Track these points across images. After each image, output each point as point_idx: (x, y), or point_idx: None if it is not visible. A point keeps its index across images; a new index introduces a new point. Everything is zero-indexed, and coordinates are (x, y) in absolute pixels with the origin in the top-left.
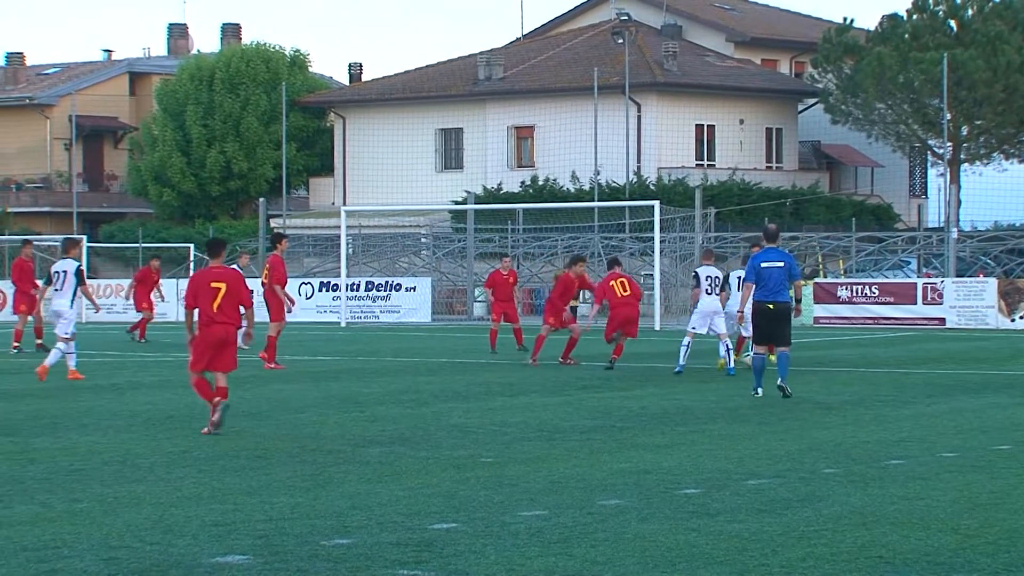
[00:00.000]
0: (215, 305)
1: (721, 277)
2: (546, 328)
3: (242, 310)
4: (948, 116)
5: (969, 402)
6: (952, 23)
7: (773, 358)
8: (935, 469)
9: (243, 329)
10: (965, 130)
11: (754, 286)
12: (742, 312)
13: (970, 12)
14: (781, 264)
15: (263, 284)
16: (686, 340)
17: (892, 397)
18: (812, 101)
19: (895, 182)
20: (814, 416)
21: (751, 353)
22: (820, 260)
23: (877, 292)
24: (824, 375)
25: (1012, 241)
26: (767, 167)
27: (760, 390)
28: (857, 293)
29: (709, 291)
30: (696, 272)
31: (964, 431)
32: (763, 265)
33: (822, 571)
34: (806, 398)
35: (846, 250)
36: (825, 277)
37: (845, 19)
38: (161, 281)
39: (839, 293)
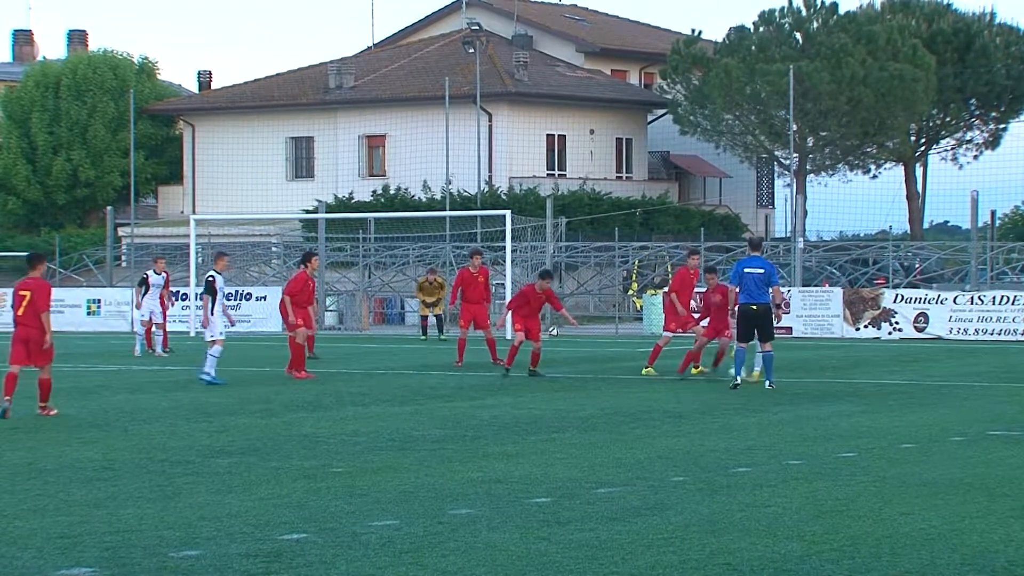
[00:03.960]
0: (21, 310)
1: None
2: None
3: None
4: (794, 127)
5: (815, 410)
6: (798, 36)
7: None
8: (782, 476)
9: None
10: (811, 141)
11: (738, 289)
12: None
13: (815, 25)
14: (762, 271)
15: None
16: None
17: (740, 405)
18: (661, 112)
19: (743, 192)
20: (663, 425)
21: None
22: (669, 270)
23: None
24: (674, 384)
25: (856, 251)
26: (617, 177)
27: (740, 378)
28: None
29: None
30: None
31: (810, 439)
32: (746, 271)
33: None
34: (655, 407)
35: None
36: None
37: (693, 31)
38: None
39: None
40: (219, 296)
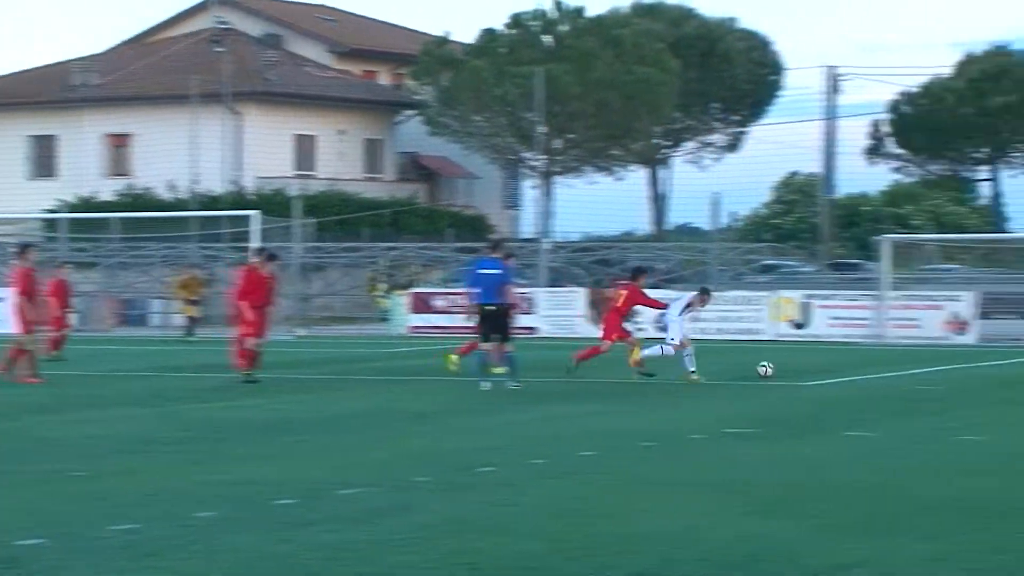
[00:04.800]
0: None
1: None
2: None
3: None
4: (542, 129)
5: (558, 410)
6: (547, 39)
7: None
8: (524, 476)
9: None
10: (558, 143)
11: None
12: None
13: (564, 28)
14: (498, 271)
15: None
16: None
17: (484, 406)
18: (411, 113)
19: (491, 193)
20: (408, 425)
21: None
22: (416, 270)
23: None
24: (419, 384)
25: (601, 251)
26: (367, 178)
27: (486, 384)
28: (453, 303)
29: None
30: None
31: (553, 438)
32: (482, 272)
33: None
34: (400, 408)
35: (442, 260)
36: (422, 287)
37: (443, 32)
38: None
39: (435, 303)
40: None
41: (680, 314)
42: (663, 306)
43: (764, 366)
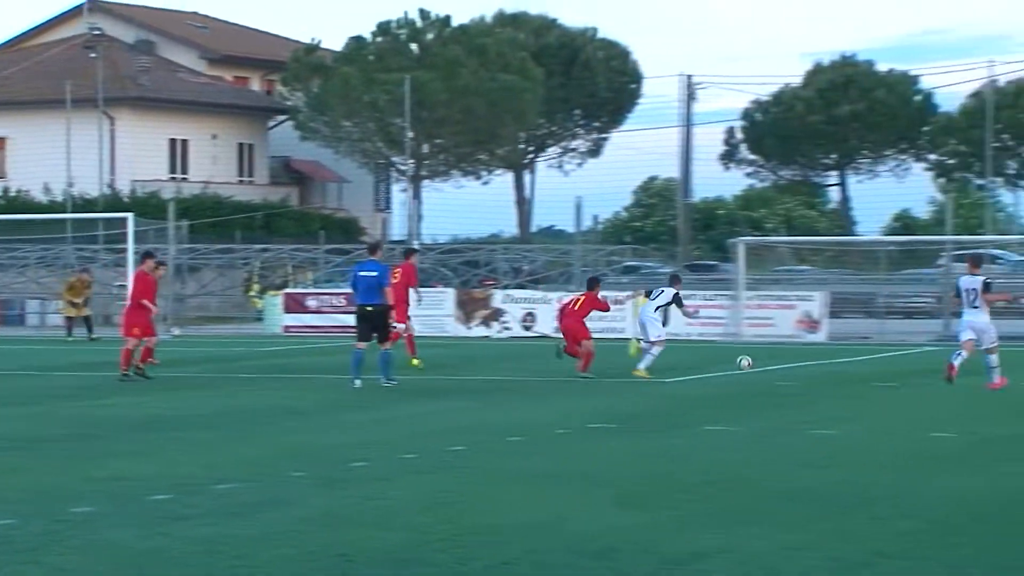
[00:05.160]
0: None
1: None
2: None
3: None
4: (411, 135)
5: (429, 406)
6: (414, 46)
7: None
8: (396, 470)
9: None
10: (426, 148)
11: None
12: None
13: (430, 36)
14: (375, 273)
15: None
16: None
17: (357, 402)
18: (282, 118)
19: (361, 196)
20: (284, 421)
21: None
22: (289, 271)
23: (344, 302)
24: (292, 382)
25: (469, 253)
26: (240, 181)
27: (358, 382)
28: (325, 303)
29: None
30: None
31: (423, 434)
32: (361, 274)
33: (289, 571)
34: (276, 404)
35: (315, 262)
36: (295, 288)
37: (313, 39)
38: None
39: (308, 303)
40: None
41: (656, 311)
42: (608, 307)
43: (743, 359)
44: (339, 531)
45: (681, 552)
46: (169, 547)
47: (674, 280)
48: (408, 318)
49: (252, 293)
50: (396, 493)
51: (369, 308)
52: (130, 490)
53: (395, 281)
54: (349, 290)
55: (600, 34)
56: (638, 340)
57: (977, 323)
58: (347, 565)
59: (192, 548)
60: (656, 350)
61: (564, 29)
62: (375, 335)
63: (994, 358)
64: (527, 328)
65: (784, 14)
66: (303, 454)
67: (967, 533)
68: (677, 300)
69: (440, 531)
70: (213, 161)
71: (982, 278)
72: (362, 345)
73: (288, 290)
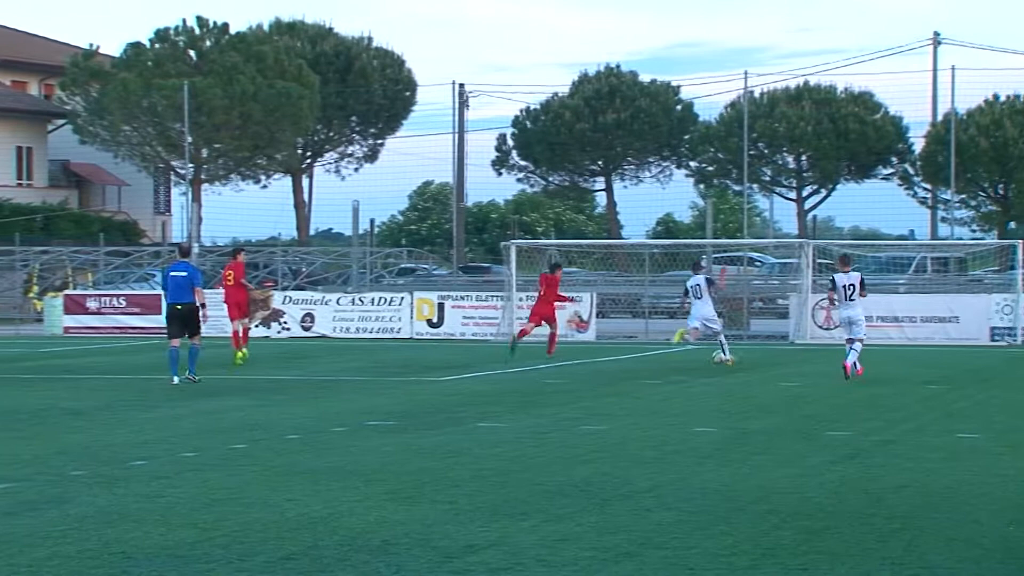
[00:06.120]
0: None
1: (857, 284)
2: None
3: None
4: (190, 139)
5: (210, 405)
6: (192, 53)
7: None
8: (176, 468)
9: None
10: (205, 153)
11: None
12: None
13: (208, 43)
14: (185, 274)
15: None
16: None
17: (137, 402)
18: (61, 122)
19: (141, 199)
20: (63, 420)
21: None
22: (69, 273)
23: (125, 303)
24: (73, 382)
25: (249, 255)
26: (18, 184)
27: (176, 378)
28: (106, 304)
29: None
30: (832, 278)
31: (204, 432)
32: (172, 274)
33: (68, 569)
34: (55, 404)
35: (94, 263)
36: (75, 289)
37: (90, 45)
38: None
39: (88, 304)
40: None
41: (705, 302)
42: (569, 299)
43: (719, 354)
44: (119, 529)
45: (455, 545)
46: None
47: (696, 267)
48: (245, 315)
49: (32, 295)
50: (177, 491)
51: (179, 307)
52: None
53: (229, 284)
54: (129, 291)
55: (375, 43)
56: (684, 330)
57: (854, 315)
58: (127, 563)
59: None
60: (722, 337)
61: (340, 37)
62: (186, 332)
63: (859, 347)
64: (306, 328)
65: (551, 27)
66: (82, 453)
67: (728, 522)
68: (710, 281)
69: (222, 527)
70: None
71: (858, 274)
72: (175, 343)
73: (68, 292)
